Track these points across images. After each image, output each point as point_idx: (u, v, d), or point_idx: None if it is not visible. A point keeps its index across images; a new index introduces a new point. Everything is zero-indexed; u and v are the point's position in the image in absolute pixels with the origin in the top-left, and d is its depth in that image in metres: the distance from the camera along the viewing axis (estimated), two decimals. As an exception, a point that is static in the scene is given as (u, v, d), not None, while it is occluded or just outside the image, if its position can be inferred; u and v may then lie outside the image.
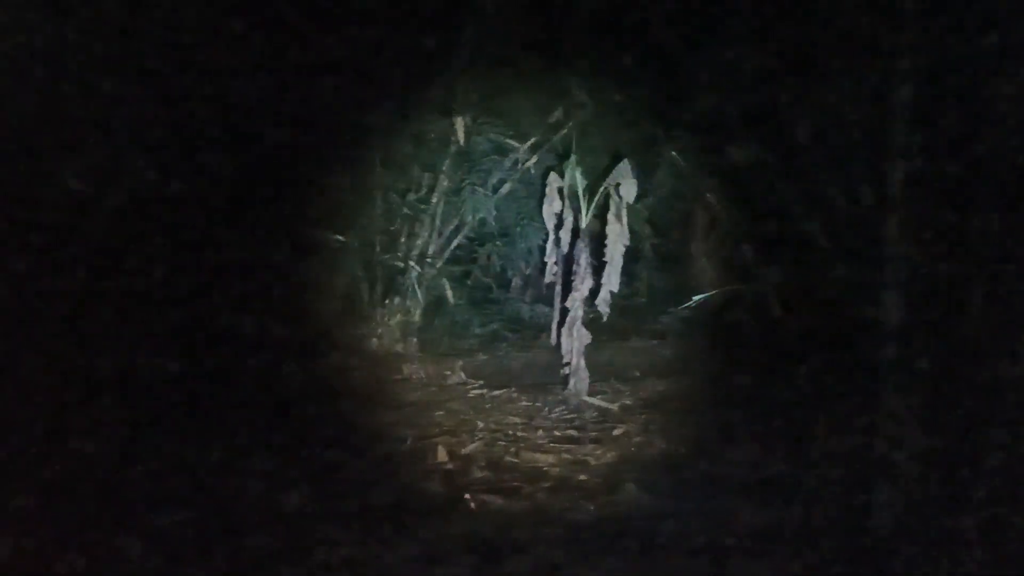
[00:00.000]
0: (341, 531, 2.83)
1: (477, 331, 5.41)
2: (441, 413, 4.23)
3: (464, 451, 3.72)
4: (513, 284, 5.71)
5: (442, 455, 3.62)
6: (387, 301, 5.15)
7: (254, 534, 2.81)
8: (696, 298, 4.86)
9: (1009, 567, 2.42)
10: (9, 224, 3.34)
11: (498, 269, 5.62)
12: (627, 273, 5.49)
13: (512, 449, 3.76)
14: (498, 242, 5.50)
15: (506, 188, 5.22)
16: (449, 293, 5.30)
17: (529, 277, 5.66)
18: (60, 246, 3.50)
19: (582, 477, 3.45)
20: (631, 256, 5.30)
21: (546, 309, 5.33)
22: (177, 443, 3.37)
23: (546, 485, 3.36)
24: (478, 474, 3.48)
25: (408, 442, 3.78)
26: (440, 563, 2.69)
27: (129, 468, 3.15)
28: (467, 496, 3.19)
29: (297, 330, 4.64)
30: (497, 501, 3.18)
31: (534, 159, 5.13)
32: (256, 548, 2.72)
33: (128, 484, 3.08)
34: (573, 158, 4.33)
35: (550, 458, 3.65)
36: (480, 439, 3.86)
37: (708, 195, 5.11)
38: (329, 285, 4.95)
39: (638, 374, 4.82)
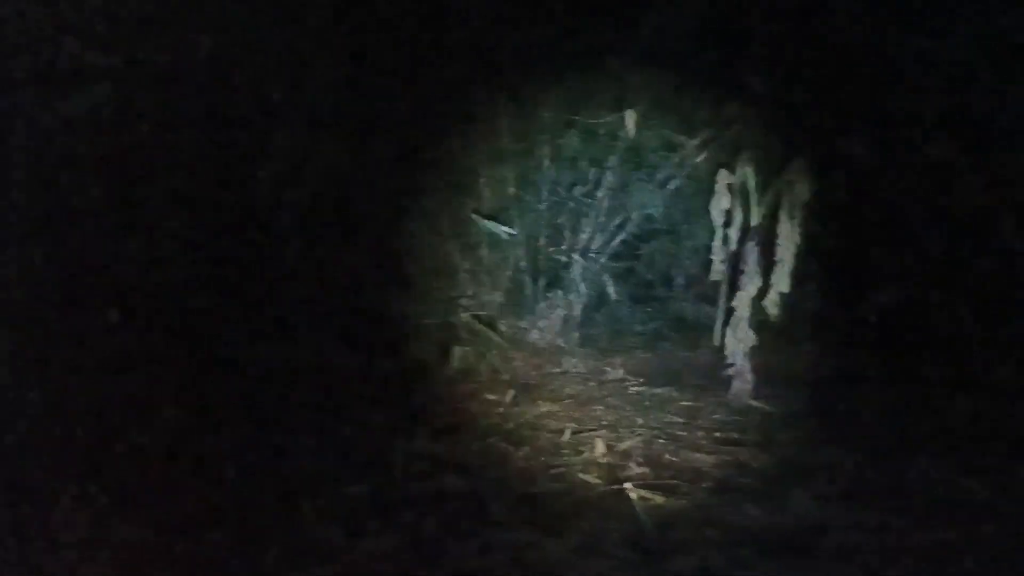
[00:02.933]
0: (505, 515, 2.90)
1: (638, 328, 5.37)
2: (600, 408, 4.24)
3: (622, 447, 3.71)
4: (676, 282, 5.62)
5: (600, 449, 3.63)
6: (549, 294, 5.21)
7: (416, 512, 2.93)
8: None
9: None
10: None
11: (663, 267, 5.56)
12: (798, 274, 5.35)
13: (671, 447, 3.73)
14: (664, 239, 5.43)
15: (673, 184, 5.16)
16: (611, 289, 5.29)
17: (693, 276, 5.55)
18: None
19: (744, 480, 3.38)
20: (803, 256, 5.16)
21: (710, 309, 5.22)
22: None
23: (706, 486, 3.32)
24: (636, 470, 3.46)
25: (567, 434, 3.81)
26: (600, 556, 2.70)
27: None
28: (626, 490, 3.19)
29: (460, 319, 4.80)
30: (656, 498, 3.16)
31: (704, 155, 5.03)
32: (419, 527, 2.83)
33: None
34: (744, 155, 4.23)
35: (711, 459, 3.59)
36: (639, 436, 3.84)
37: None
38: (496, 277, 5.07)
39: (806, 379, 4.65)
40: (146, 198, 3.32)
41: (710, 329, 4.87)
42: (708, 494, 3.23)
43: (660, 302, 5.58)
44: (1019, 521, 2.92)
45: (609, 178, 5.12)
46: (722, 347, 4.33)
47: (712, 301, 5.08)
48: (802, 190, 4.12)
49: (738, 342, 4.22)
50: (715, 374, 4.45)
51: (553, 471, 3.42)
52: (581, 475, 3.38)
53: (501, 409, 4.14)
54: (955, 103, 4.00)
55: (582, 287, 5.18)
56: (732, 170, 4.25)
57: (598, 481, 3.33)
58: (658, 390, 4.51)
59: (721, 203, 4.28)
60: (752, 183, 4.23)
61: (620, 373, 4.83)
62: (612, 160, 5.08)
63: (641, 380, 4.68)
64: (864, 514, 3.01)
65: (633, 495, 3.16)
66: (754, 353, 4.24)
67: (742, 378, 4.23)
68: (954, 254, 4.27)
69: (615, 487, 3.25)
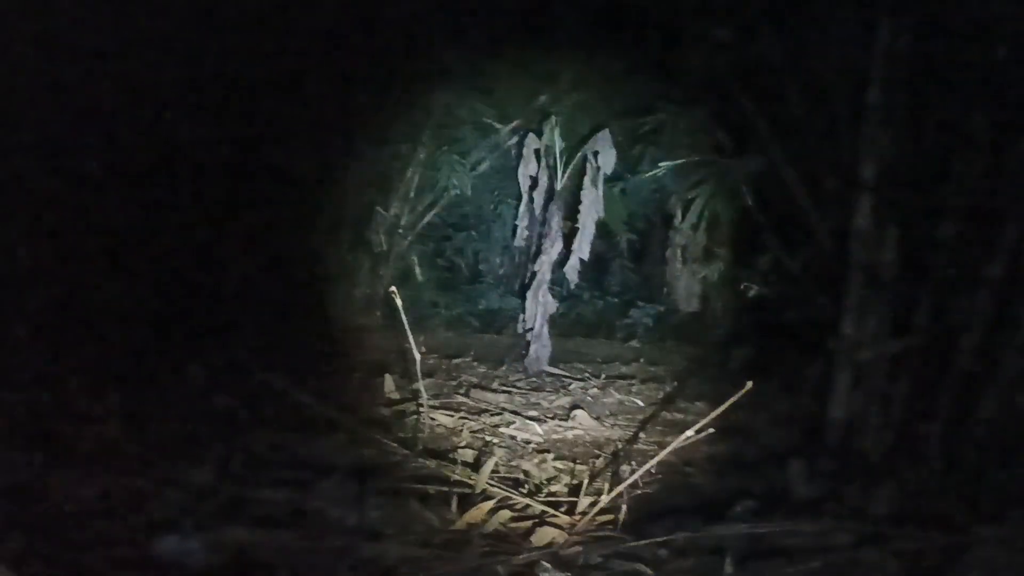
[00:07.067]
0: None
1: (443, 311, 5.24)
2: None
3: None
4: (485, 268, 5.59)
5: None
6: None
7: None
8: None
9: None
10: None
11: (470, 253, 5.51)
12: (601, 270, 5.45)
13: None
14: (472, 224, 5.40)
15: (484, 166, 5.12)
16: (417, 269, 5.17)
17: (503, 260, 5.53)
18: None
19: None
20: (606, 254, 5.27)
21: (516, 301, 5.18)
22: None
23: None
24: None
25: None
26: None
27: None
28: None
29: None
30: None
31: (515, 139, 5.05)
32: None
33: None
34: (552, 119, 4.27)
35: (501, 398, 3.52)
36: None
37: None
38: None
39: (600, 360, 4.67)
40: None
41: (515, 317, 4.81)
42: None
43: (467, 285, 5.50)
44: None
45: (420, 156, 5.01)
46: (522, 310, 4.28)
47: (519, 294, 5.04)
48: (606, 160, 4.17)
49: (538, 305, 4.19)
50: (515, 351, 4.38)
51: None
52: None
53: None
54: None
55: (389, 265, 5.02)
56: (539, 135, 4.28)
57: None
58: (456, 360, 4.40)
59: (528, 168, 4.30)
60: (558, 148, 4.27)
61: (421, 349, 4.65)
62: (424, 138, 4.97)
63: (436, 355, 4.52)
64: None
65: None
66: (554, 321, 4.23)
67: (540, 342, 4.18)
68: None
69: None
